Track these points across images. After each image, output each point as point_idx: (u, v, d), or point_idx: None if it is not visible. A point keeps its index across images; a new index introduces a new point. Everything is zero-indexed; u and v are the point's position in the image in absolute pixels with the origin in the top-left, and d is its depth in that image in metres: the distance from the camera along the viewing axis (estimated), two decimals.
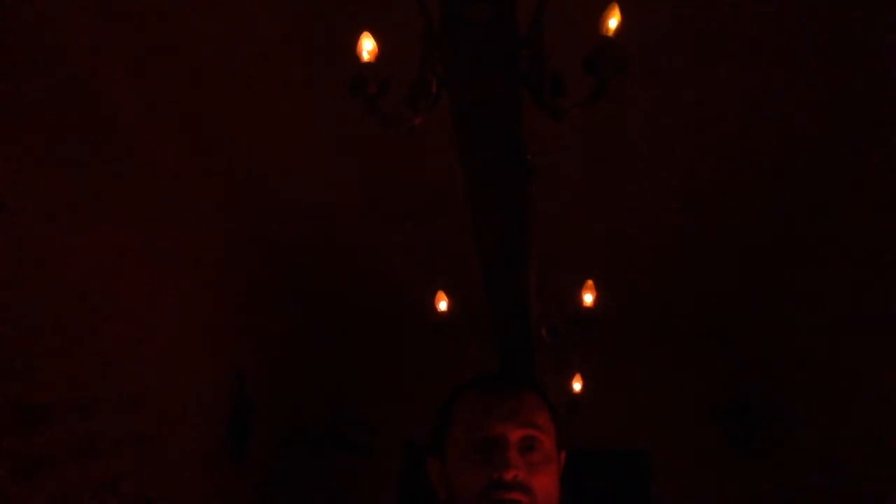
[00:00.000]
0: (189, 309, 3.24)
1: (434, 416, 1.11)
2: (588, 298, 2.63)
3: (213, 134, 2.99)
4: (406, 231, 3.72)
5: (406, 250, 3.92)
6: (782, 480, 3.93)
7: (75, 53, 2.34)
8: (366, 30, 1.47)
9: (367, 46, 1.48)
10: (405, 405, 4.61)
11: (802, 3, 2.13)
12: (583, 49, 1.28)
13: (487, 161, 1.47)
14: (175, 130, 2.93)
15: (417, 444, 4.55)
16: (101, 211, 2.57)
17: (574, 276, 2.72)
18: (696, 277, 4.02)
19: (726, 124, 2.75)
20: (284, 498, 4.30)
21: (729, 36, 2.28)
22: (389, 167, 3.18)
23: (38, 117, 2.21)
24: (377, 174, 3.26)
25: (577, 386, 3.61)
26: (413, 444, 4.59)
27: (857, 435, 3.01)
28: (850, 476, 3.08)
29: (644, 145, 2.89)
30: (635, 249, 3.75)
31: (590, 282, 2.67)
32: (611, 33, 1.32)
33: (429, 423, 1.17)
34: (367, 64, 1.44)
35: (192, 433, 3.23)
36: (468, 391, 1.07)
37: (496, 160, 1.47)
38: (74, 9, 2.24)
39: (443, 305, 2.79)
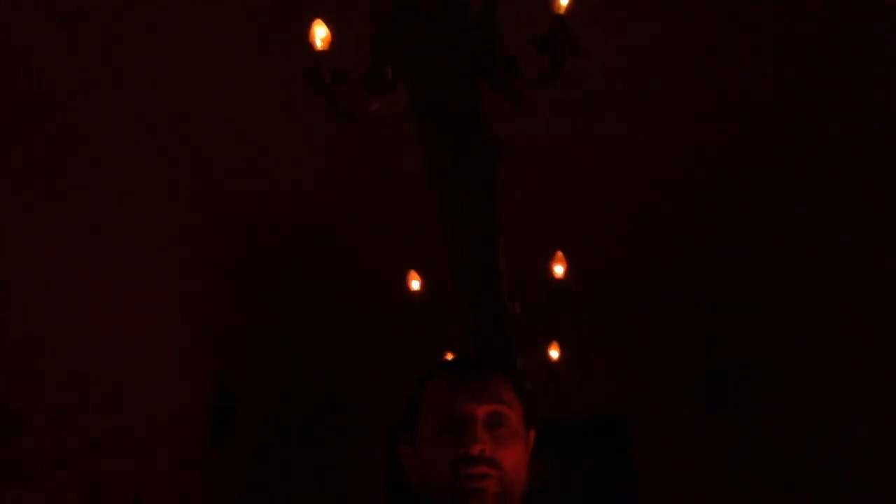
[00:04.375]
0: (167, 302, 3.22)
1: (403, 404, 1.13)
2: (559, 270, 2.66)
3: (180, 125, 2.96)
4: (380, 211, 3.71)
5: (381, 231, 3.91)
6: (762, 441, 4.03)
7: (17, 33, 2.28)
8: (318, 17, 1.46)
9: (320, 34, 1.46)
10: (388, 386, 4.62)
11: None
12: (538, 29, 1.28)
13: (448, 144, 1.47)
14: (140, 122, 2.89)
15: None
16: (70, 208, 2.54)
17: (548, 246, 2.74)
18: (673, 243, 4.07)
19: (698, 95, 2.77)
20: (272, 485, 4.32)
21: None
22: (359, 148, 3.16)
23: None
24: (347, 155, 3.24)
25: (554, 354, 3.66)
26: (396, 426, 4.62)
27: (836, 397, 3.09)
28: (829, 436, 3.17)
29: (612, 113, 2.90)
30: (611, 216, 3.78)
31: (559, 253, 2.70)
32: (562, 11, 1.32)
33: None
34: (322, 52, 1.43)
35: (176, 428, 3.23)
36: (434, 376, 1.09)
37: (457, 143, 1.47)
38: None
39: (415, 285, 2.80)
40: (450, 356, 3.57)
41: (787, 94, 2.76)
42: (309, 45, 1.43)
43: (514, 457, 0.99)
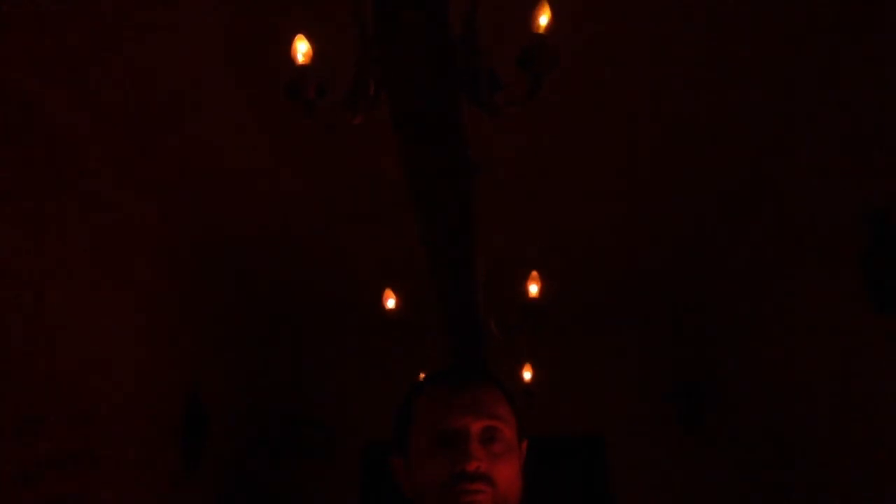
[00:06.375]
0: (138, 318, 3.16)
1: (393, 414, 1.11)
2: (534, 289, 2.68)
3: (158, 132, 2.91)
4: (358, 228, 3.69)
5: (359, 248, 3.89)
6: (732, 458, 4.06)
7: None
8: (301, 31, 1.47)
9: (302, 49, 1.47)
10: (362, 404, 4.61)
11: None
12: (518, 46, 1.30)
13: (429, 160, 1.48)
14: (105, 123, 2.84)
15: (376, 442, 4.55)
16: (42, 219, 2.49)
17: (520, 267, 2.75)
18: (640, 262, 4.11)
19: (659, 116, 2.81)
20: None
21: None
22: (339, 164, 3.15)
23: None
24: (327, 172, 3.23)
25: (527, 375, 3.67)
26: (372, 443, 4.58)
27: (806, 414, 3.13)
28: (799, 453, 3.21)
29: (580, 135, 2.94)
30: (579, 238, 3.81)
31: (534, 273, 2.72)
32: (542, 30, 1.35)
33: (387, 421, 1.18)
34: (303, 66, 1.43)
35: (146, 447, 3.16)
36: (427, 387, 1.08)
37: (437, 159, 1.48)
38: None
39: (391, 303, 2.79)
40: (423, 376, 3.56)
41: (762, 118, 2.83)
42: (291, 60, 1.44)
43: (508, 472, 0.98)
